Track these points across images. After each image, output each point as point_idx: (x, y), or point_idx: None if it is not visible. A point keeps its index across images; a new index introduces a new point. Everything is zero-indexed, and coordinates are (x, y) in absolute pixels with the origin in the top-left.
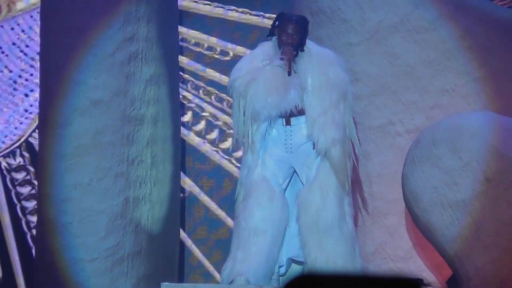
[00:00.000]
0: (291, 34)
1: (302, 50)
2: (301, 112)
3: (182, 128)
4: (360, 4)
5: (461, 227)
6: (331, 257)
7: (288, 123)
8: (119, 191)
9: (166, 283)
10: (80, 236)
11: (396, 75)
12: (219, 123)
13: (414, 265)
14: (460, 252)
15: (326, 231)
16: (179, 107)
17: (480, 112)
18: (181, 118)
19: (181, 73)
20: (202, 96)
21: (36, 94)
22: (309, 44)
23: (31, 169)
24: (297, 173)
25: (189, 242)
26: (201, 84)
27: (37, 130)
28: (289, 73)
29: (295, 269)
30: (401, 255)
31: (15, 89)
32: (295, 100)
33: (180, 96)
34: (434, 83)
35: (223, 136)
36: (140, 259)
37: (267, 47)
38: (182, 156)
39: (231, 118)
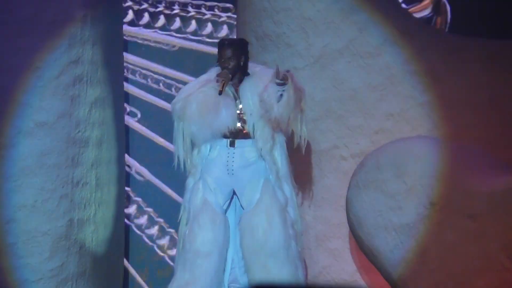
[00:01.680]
0: (227, 58)
1: (246, 74)
2: (246, 135)
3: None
4: (305, 29)
5: (406, 250)
6: (276, 280)
7: (232, 145)
8: (63, 212)
9: None
10: (25, 257)
11: (341, 99)
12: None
13: None
14: (405, 276)
15: (272, 254)
16: (123, 130)
17: (425, 137)
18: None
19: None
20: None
21: None
22: (257, 68)
23: None
24: (237, 196)
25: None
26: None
27: None
28: (220, 93)
29: None
30: (345, 278)
31: None
32: (226, 120)
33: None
34: (379, 108)
35: None
36: (85, 280)
37: (213, 73)
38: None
39: (173, 142)
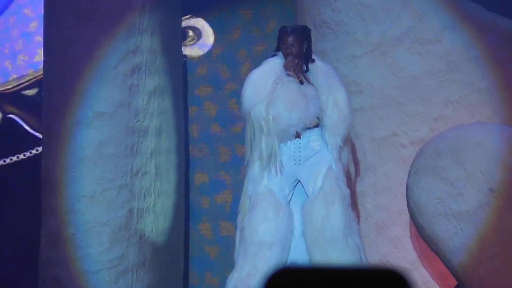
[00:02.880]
0: (290, 45)
1: (311, 61)
2: (314, 125)
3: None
4: (364, 16)
5: (466, 237)
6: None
7: (298, 136)
8: (123, 202)
9: None
10: (84, 248)
11: (400, 86)
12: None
13: (419, 276)
14: (464, 263)
15: (331, 242)
16: (182, 119)
17: (484, 123)
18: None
19: None
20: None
21: None
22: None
23: None
24: (302, 185)
25: (194, 252)
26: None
27: None
28: (301, 82)
29: None
30: (406, 266)
31: None
32: (315, 110)
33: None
34: (438, 95)
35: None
36: (145, 270)
37: (273, 63)
38: (186, 167)
39: (247, 141)
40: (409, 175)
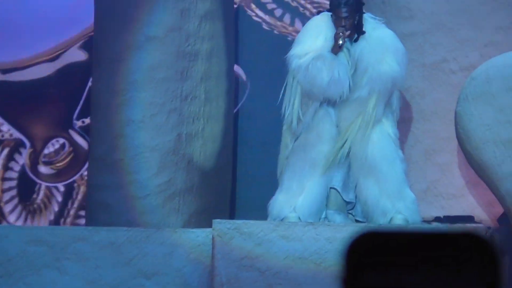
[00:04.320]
0: (343, 17)
1: (362, 33)
2: None
3: None
4: None
5: None
6: (382, 187)
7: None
8: (172, 127)
9: (218, 219)
10: (132, 173)
11: (451, 12)
12: None
13: (466, 203)
14: None
15: (376, 166)
16: (233, 43)
17: None
18: None
19: None
20: None
21: None
22: (370, 24)
23: None
24: None
25: (241, 180)
26: None
27: None
28: (340, 46)
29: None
30: (453, 193)
31: None
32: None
33: None
34: (489, 20)
35: None
36: (192, 196)
37: (324, 19)
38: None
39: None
40: (458, 101)
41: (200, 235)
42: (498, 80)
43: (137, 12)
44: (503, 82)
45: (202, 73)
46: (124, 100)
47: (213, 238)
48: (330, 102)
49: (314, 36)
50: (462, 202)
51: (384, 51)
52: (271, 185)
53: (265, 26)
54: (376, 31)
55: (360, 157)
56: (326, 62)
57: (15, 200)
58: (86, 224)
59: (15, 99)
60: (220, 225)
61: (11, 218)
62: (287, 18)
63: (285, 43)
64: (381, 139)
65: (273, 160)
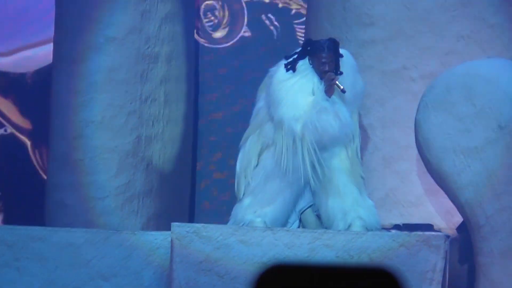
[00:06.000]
0: (326, 63)
1: (341, 72)
2: None
3: None
4: None
5: (473, 174)
6: (343, 196)
7: None
8: (131, 129)
9: (177, 223)
10: (91, 174)
11: (412, 20)
12: None
13: (425, 211)
14: (471, 200)
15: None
16: (193, 46)
17: (495, 59)
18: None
19: None
20: None
21: None
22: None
23: None
24: None
25: (201, 182)
26: None
27: None
28: (343, 91)
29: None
30: (412, 201)
31: None
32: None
33: None
34: (449, 29)
35: None
36: (151, 198)
37: (302, 71)
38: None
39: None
40: (418, 110)
41: (158, 238)
42: (458, 89)
43: (97, 13)
44: (463, 91)
45: (161, 75)
46: (83, 101)
47: (171, 241)
48: None
49: (297, 94)
50: (421, 210)
51: (353, 73)
52: (231, 189)
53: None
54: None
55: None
56: (330, 111)
57: None
58: (45, 224)
59: None
60: (179, 228)
61: None
62: None
63: (244, 44)
64: (341, 149)
65: (233, 163)
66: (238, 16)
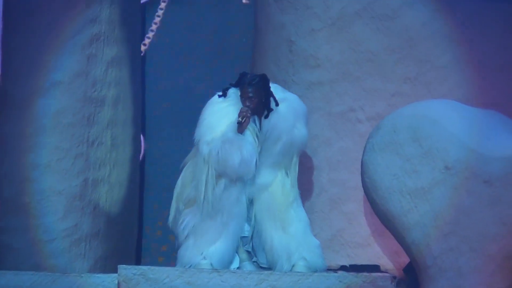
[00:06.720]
0: (248, 97)
1: (270, 109)
2: None
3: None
4: None
5: (420, 214)
6: (289, 237)
7: None
8: (78, 172)
9: (123, 265)
10: (38, 217)
11: (358, 61)
12: None
13: (372, 252)
14: (418, 240)
15: (280, 213)
16: (140, 90)
17: (441, 101)
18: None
19: None
20: None
21: None
22: (278, 90)
23: None
24: None
25: (147, 225)
26: None
27: None
28: (241, 132)
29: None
30: (359, 242)
31: None
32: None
33: None
34: (395, 71)
35: None
36: (98, 241)
37: (231, 98)
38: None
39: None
40: (365, 151)
41: (105, 280)
42: (405, 130)
43: (43, 57)
44: (410, 132)
45: (108, 119)
46: (31, 145)
47: (118, 283)
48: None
49: (220, 119)
50: (368, 251)
51: (295, 118)
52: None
53: None
54: (284, 95)
55: (266, 206)
56: (234, 144)
57: None
58: None
59: None
60: (126, 270)
61: None
62: None
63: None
64: (285, 189)
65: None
66: None
